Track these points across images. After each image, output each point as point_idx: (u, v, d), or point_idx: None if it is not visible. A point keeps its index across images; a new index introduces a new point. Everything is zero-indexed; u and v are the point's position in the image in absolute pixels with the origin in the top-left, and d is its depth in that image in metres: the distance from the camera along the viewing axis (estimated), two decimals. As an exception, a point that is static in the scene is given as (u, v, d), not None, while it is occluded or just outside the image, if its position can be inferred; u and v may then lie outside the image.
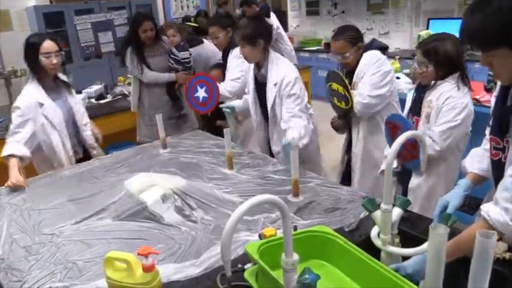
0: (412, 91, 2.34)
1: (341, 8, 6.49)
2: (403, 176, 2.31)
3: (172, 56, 3.58)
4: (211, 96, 2.98)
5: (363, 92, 2.45)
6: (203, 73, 3.26)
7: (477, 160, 1.58)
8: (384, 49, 2.59)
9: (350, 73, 2.58)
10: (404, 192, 2.30)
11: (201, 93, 3.01)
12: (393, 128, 2.12)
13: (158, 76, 3.57)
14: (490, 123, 1.43)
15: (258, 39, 2.44)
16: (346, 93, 2.47)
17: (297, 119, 2.42)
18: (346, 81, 2.47)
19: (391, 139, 2.20)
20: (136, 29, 3.45)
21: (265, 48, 2.50)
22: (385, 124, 2.19)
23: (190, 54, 3.63)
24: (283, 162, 2.26)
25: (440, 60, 2.03)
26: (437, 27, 4.94)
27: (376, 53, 2.49)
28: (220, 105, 2.98)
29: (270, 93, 2.54)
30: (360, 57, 2.50)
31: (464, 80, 2.08)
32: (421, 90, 2.20)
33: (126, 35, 3.74)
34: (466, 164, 1.61)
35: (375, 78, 2.44)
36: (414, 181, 2.24)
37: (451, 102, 2.02)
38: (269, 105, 2.58)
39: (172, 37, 3.54)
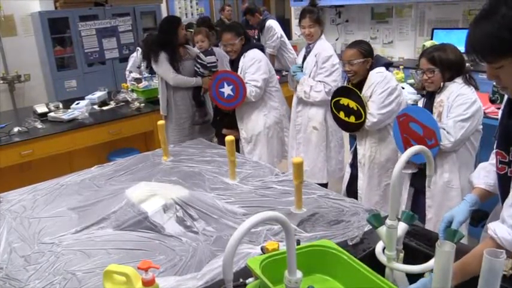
0: (423, 100, 2.48)
1: (345, 16, 6.48)
2: (416, 176, 2.44)
3: (199, 61, 3.62)
4: (237, 97, 3.20)
5: (372, 112, 2.60)
6: (233, 72, 3.27)
7: (484, 175, 1.55)
8: (388, 65, 2.74)
9: (355, 87, 2.71)
10: (418, 194, 2.45)
11: (227, 90, 3.20)
12: (405, 121, 2.31)
13: (187, 80, 3.61)
14: (497, 136, 1.41)
15: (323, 22, 3.22)
16: (360, 108, 2.60)
17: (319, 85, 3.10)
18: (363, 98, 2.60)
19: (400, 134, 2.28)
20: (176, 29, 3.52)
21: (322, 31, 3.22)
22: (396, 119, 2.33)
23: (217, 60, 3.67)
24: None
25: (445, 65, 2.21)
26: (442, 37, 4.93)
27: (382, 71, 2.64)
28: (293, 69, 3.27)
29: (309, 62, 3.16)
30: (365, 73, 2.65)
31: (471, 80, 2.26)
32: (431, 95, 2.35)
33: (154, 38, 3.74)
34: (473, 178, 1.59)
35: (384, 96, 2.58)
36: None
37: (460, 99, 2.19)
38: (306, 71, 3.17)
39: (201, 42, 3.63)
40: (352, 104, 2.64)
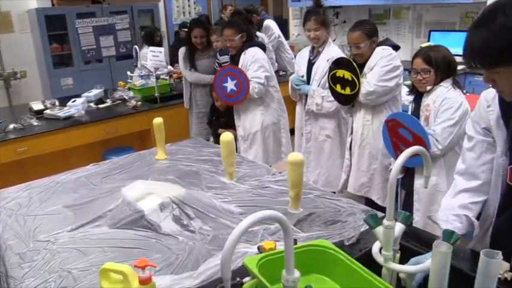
0: (411, 105, 2.46)
1: (342, 17, 6.49)
2: (405, 180, 2.44)
3: (216, 60, 3.79)
4: (240, 92, 3.18)
5: (370, 81, 2.59)
6: (238, 67, 3.25)
7: (453, 219, 1.48)
8: (396, 48, 2.72)
9: (361, 66, 2.70)
10: (408, 196, 2.45)
11: (230, 85, 3.19)
12: (394, 126, 2.30)
13: (202, 77, 3.89)
14: (509, 153, 1.35)
15: (329, 24, 3.06)
16: (355, 78, 2.59)
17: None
18: (355, 65, 2.60)
19: (390, 138, 2.28)
20: (189, 33, 3.86)
21: (329, 34, 3.08)
22: (384, 123, 2.30)
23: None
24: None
25: (440, 65, 2.21)
26: (439, 39, 4.94)
27: (389, 48, 2.64)
28: (295, 81, 3.15)
29: (321, 66, 3.00)
30: (372, 52, 2.65)
31: (457, 83, 2.26)
32: (419, 98, 2.34)
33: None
34: (439, 222, 1.50)
35: (385, 70, 2.58)
36: (418, 182, 2.34)
37: (447, 103, 2.19)
38: (316, 77, 3.02)
39: (216, 42, 3.80)
40: (347, 75, 2.65)
